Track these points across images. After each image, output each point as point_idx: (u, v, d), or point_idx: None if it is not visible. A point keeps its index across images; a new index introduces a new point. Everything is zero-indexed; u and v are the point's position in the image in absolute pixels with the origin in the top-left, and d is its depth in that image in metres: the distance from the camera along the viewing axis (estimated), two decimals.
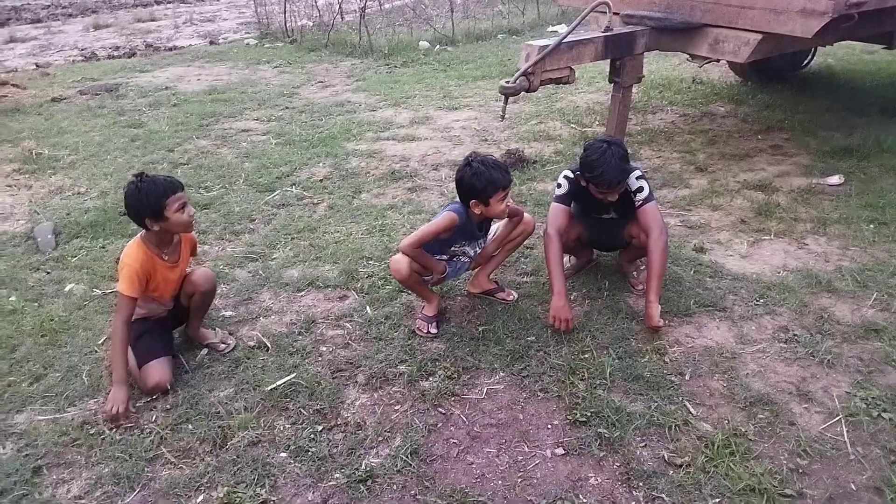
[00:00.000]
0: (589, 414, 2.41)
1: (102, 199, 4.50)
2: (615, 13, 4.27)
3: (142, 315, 2.74)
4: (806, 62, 6.58)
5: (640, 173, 2.93)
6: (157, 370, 2.60)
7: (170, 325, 2.91)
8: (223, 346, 2.87)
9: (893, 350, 2.66)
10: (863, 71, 6.68)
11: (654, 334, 2.82)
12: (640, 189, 2.90)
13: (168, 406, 2.55)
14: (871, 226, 3.63)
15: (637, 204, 2.90)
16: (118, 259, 2.76)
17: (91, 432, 2.43)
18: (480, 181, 2.71)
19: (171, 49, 10.35)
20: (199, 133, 5.88)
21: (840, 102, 5.63)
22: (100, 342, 2.96)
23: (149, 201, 2.53)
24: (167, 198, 2.54)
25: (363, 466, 2.24)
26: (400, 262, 2.82)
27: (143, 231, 2.65)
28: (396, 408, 2.52)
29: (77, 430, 2.44)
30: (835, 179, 4.21)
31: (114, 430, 2.43)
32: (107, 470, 2.27)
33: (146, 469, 2.27)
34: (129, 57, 9.86)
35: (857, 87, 6.15)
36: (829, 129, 5.10)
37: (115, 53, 10.18)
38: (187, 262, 2.87)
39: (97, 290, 3.39)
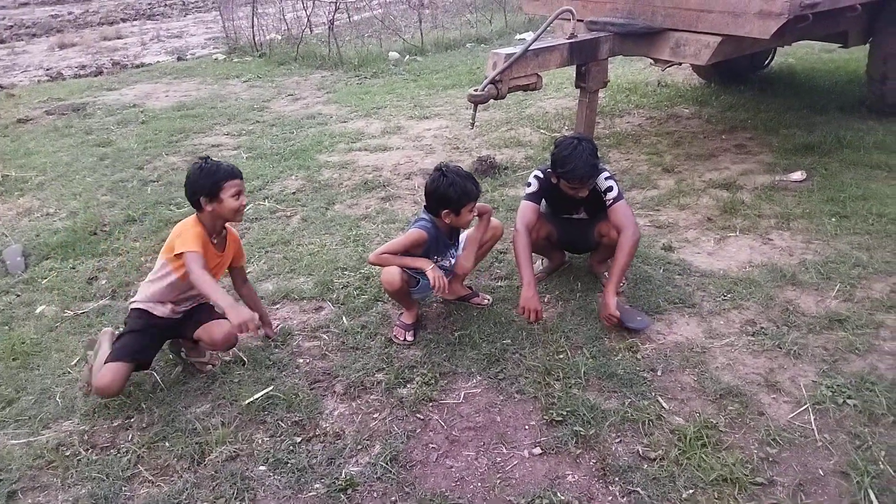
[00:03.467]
0: (565, 413, 2.44)
1: (72, 219, 4.46)
2: (579, 20, 4.36)
3: (149, 307, 2.71)
4: (766, 63, 6.75)
5: (609, 174, 3.00)
6: (112, 373, 2.52)
7: (168, 334, 2.82)
8: (209, 367, 2.85)
9: (856, 339, 2.74)
10: (822, 70, 6.87)
11: (610, 325, 2.88)
12: (610, 188, 2.96)
13: (144, 424, 2.54)
14: (833, 219, 3.74)
15: (608, 203, 2.96)
16: (139, 268, 2.76)
17: (66, 454, 2.41)
18: (456, 191, 2.76)
19: (138, 66, 10.26)
20: (168, 150, 5.84)
21: (800, 101, 5.78)
22: (73, 363, 2.93)
23: (208, 180, 2.61)
24: (227, 181, 2.62)
25: (343, 475, 2.25)
26: (392, 273, 2.83)
27: (196, 212, 2.70)
28: (375, 416, 2.54)
29: (52, 453, 2.41)
30: (797, 176, 4.33)
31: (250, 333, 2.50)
32: (84, 491, 2.25)
33: (124, 488, 2.25)
34: (96, 75, 9.76)
35: (817, 85, 6.32)
36: (790, 127, 5.23)
37: (82, 72, 10.07)
38: (229, 260, 2.88)
39: (69, 312, 3.36)
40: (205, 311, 2.82)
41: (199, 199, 2.63)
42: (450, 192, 2.77)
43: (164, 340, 2.84)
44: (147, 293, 2.73)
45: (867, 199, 3.90)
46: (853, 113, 5.38)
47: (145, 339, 2.70)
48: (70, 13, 17.24)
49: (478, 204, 2.93)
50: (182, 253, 2.56)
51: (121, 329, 2.79)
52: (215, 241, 2.75)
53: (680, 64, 5.32)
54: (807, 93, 6.03)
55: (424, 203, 2.91)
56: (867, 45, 5.20)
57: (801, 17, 3.77)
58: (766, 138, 5.09)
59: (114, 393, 2.56)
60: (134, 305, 2.76)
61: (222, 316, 2.72)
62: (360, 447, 2.38)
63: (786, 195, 4.12)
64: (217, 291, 2.51)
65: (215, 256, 2.74)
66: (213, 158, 2.69)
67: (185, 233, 2.62)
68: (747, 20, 3.85)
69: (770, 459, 2.20)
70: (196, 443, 2.41)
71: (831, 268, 3.26)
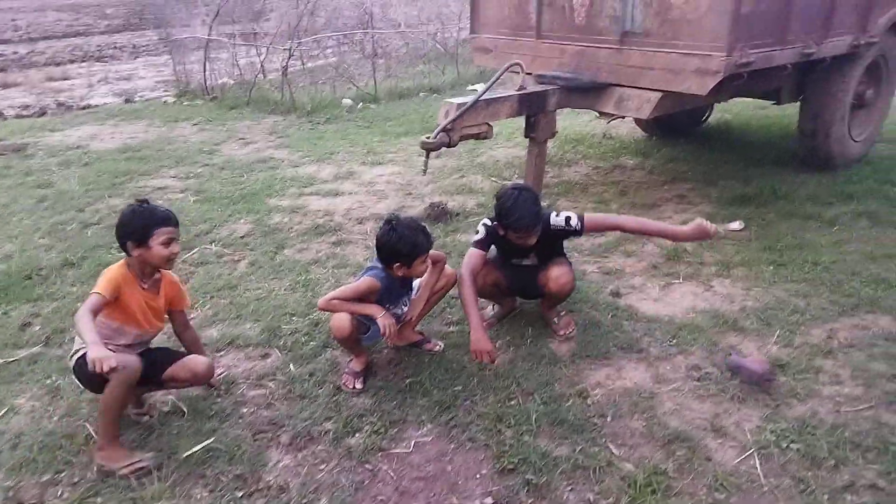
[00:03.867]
0: (516, 461, 2.42)
1: (6, 262, 4.26)
2: (528, 73, 4.50)
3: (112, 347, 2.48)
4: (705, 118, 7.07)
5: (556, 211, 3.08)
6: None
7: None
8: (146, 417, 2.73)
9: (797, 384, 2.82)
10: (756, 125, 7.24)
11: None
12: (569, 219, 3.03)
13: (75, 479, 2.39)
14: (771, 267, 3.88)
15: (578, 229, 3.03)
16: (74, 313, 2.58)
17: None
18: (406, 246, 2.75)
19: (84, 108, 10.06)
20: (111, 192, 5.69)
21: (737, 155, 6.05)
22: (0, 414, 2.77)
23: (138, 225, 2.50)
24: (157, 227, 2.51)
25: None
26: (342, 319, 2.78)
27: (126, 257, 2.58)
28: (322, 467, 2.46)
29: None
30: (736, 225, 4.49)
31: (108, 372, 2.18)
32: None
33: None
34: (40, 116, 9.51)
35: (752, 140, 6.64)
36: (728, 178, 5.46)
37: (25, 112, 9.80)
38: (165, 304, 2.72)
39: (0, 360, 3.18)
40: (160, 352, 2.73)
41: (126, 243, 2.53)
42: (399, 247, 2.76)
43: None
44: (80, 347, 2.55)
45: (802, 248, 4.07)
46: (787, 166, 5.65)
47: None
48: (15, 52, 16.87)
49: (432, 252, 2.93)
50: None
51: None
52: (146, 286, 2.63)
53: (623, 117, 5.52)
54: (743, 147, 6.33)
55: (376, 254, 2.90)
56: (798, 103, 5.51)
57: (737, 76, 3.98)
58: (706, 189, 5.29)
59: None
60: (73, 362, 2.55)
61: (182, 354, 2.70)
62: (305, 501, 2.29)
63: (725, 244, 4.26)
64: (85, 329, 2.26)
65: (145, 298, 2.60)
66: (152, 202, 2.59)
67: (103, 275, 2.51)
68: (686, 77, 4.05)
69: None
70: (130, 499, 2.29)
71: (771, 314, 3.37)
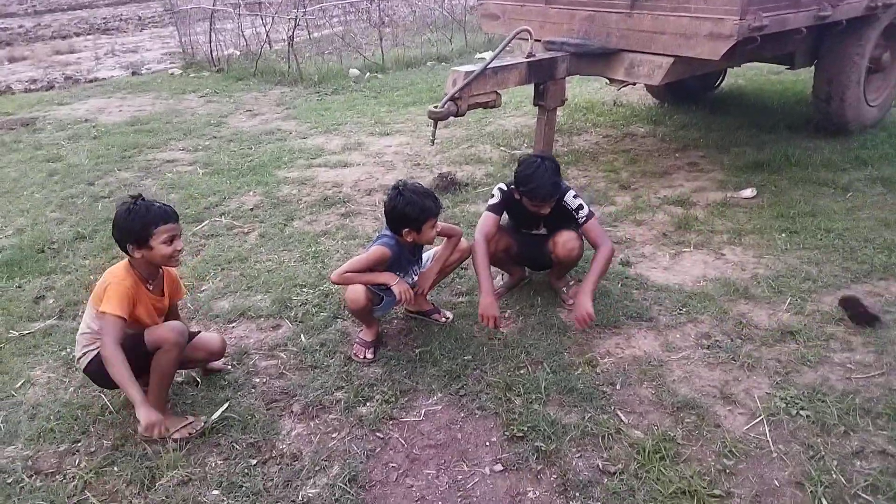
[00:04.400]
0: (526, 429, 2.44)
1: (18, 236, 4.30)
2: (537, 40, 4.43)
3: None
4: (717, 83, 6.95)
5: (575, 192, 3.04)
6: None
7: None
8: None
9: (808, 351, 2.81)
10: (770, 91, 7.11)
11: (582, 329, 2.90)
12: (581, 206, 3.01)
13: (92, 449, 2.44)
14: (783, 235, 3.84)
15: (581, 221, 3.01)
16: (88, 286, 2.54)
17: (8, 481, 2.30)
18: (414, 210, 2.74)
19: (91, 81, 10.04)
20: (121, 165, 5.70)
21: (750, 121, 5.96)
22: (17, 386, 2.81)
23: (136, 226, 2.36)
24: (156, 226, 2.38)
25: (300, 498, 2.19)
26: (357, 291, 2.78)
27: (128, 257, 2.46)
28: (333, 435, 2.49)
29: None
30: (748, 193, 4.44)
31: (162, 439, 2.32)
32: None
33: None
34: (47, 90, 9.51)
35: (766, 105, 6.53)
36: (740, 145, 5.39)
37: (32, 87, 9.80)
38: (168, 302, 2.65)
39: (13, 332, 3.22)
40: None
41: (127, 245, 2.40)
42: (408, 211, 2.75)
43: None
44: (87, 349, 2.47)
45: (815, 216, 4.03)
46: (800, 132, 5.56)
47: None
48: (21, 26, 16.82)
49: (447, 225, 2.93)
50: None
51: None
52: (151, 287, 2.53)
53: (634, 84, 5.43)
54: (756, 113, 6.23)
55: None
56: (812, 67, 5.40)
57: (750, 39, 3.90)
58: (718, 156, 5.22)
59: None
60: (86, 364, 2.48)
61: (193, 333, 2.65)
62: (317, 468, 2.33)
63: (737, 211, 4.22)
64: (124, 381, 2.25)
65: (152, 301, 2.53)
66: (145, 198, 2.43)
67: (112, 287, 2.36)
68: (698, 42, 3.97)
69: (727, 471, 2.22)
70: (146, 467, 2.33)
71: (782, 282, 3.35)
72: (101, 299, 2.37)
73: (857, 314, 2.97)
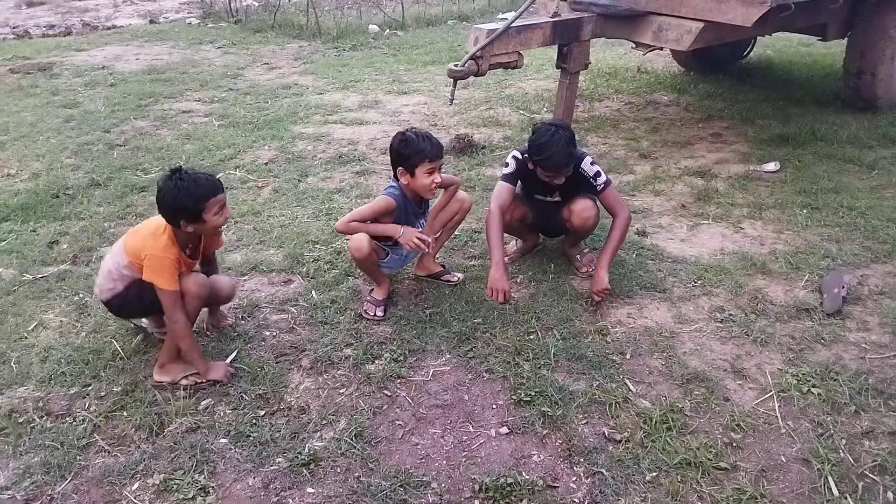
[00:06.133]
0: (533, 393, 2.43)
1: (34, 181, 4.30)
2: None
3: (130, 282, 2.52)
4: (746, 52, 6.77)
5: (592, 159, 2.98)
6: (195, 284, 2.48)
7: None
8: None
9: (823, 329, 2.77)
10: (799, 63, 6.91)
11: (598, 306, 2.91)
12: (598, 174, 2.96)
13: (102, 393, 2.46)
14: (805, 211, 3.77)
15: (598, 188, 2.97)
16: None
17: (19, 421, 2.34)
18: (408, 149, 2.74)
19: (109, 28, 9.93)
20: (136, 114, 5.67)
21: (777, 93, 5.81)
22: (30, 328, 2.84)
23: (188, 203, 2.32)
24: (208, 200, 2.34)
25: (306, 450, 2.21)
26: (360, 240, 2.76)
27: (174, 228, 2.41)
28: (341, 391, 2.50)
29: (4, 419, 2.33)
30: (771, 166, 4.35)
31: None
32: (36, 459, 2.17)
33: (79, 457, 2.19)
34: (65, 35, 9.43)
35: (794, 78, 6.36)
36: (766, 118, 5.26)
37: (50, 32, 9.72)
38: (206, 250, 2.67)
39: (27, 276, 3.25)
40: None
41: (180, 221, 2.36)
42: (401, 149, 2.75)
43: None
44: (115, 287, 2.50)
45: (839, 192, 3.94)
46: (828, 106, 5.42)
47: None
48: None
49: (446, 175, 2.90)
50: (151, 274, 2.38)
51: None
52: (189, 252, 2.50)
53: (661, 49, 5.30)
54: (783, 85, 6.07)
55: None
56: (845, 40, 5.23)
57: (784, 6, 3.77)
58: (742, 128, 5.11)
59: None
60: (108, 297, 2.52)
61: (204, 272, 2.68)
62: (324, 422, 2.34)
63: (759, 185, 4.14)
64: (190, 352, 2.47)
65: (187, 265, 2.50)
66: (187, 171, 2.36)
67: (159, 261, 2.36)
68: (730, 7, 3.84)
69: (734, 445, 2.21)
70: (155, 413, 2.35)
71: (801, 258, 3.29)
72: (139, 255, 2.39)
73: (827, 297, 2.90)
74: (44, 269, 3.31)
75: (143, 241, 2.42)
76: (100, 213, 3.89)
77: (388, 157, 2.90)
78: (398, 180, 2.87)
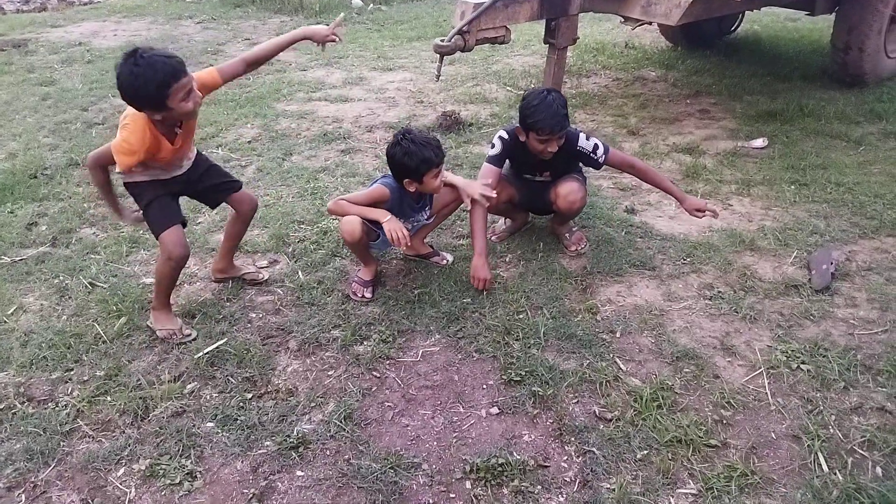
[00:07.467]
0: (523, 373, 2.41)
1: (10, 160, 4.20)
2: None
3: (147, 179, 2.48)
4: (734, 27, 6.73)
5: (586, 134, 2.95)
6: (176, 238, 2.47)
7: (177, 191, 2.62)
8: (261, 276, 2.97)
9: (812, 305, 2.77)
10: (786, 38, 6.89)
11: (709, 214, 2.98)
12: (596, 147, 2.94)
13: (85, 377, 2.42)
14: (793, 187, 3.76)
15: (601, 160, 2.95)
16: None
17: (0, 407, 2.28)
18: (413, 161, 2.64)
19: (85, 3, 9.69)
20: (115, 91, 5.46)
21: (765, 68, 5.79)
22: (9, 312, 2.77)
23: (149, 90, 2.13)
24: (170, 87, 2.15)
25: (295, 433, 2.18)
26: (352, 222, 2.70)
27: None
28: (330, 373, 2.47)
29: None
30: (759, 142, 4.34)
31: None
32: (18, 446, 2.13)
33: (62, 443, 2.14)
34: (40, 11, 9.19)
35: (781, 53, 6.33)
36: (754, 94, 5.24)
37: (25, 7, 9.47)
38: (194, 131, 2.56)
39: (6, 258, 3.17)
40: (213, 174, 2.74)
41: (146, 111, 2.22)
42: (406, 162, 2.65)
43: (177, 198, 2.64)
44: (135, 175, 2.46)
45: (826, 168, 3.94)
46: (815, 82, 5.41)
47: (166, 202, 2.52)
48: None
49: (454, 178, 2.86)
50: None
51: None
52: (172, 139, 2.39)
53: (650, 23, 5.24)
54: (771, 61, 6.04)
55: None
56: (833, 15, 5.20)
57: None
58: (730, 104, 5.08)
59: (186, 256, 2.53)
60: (129, 180, 2.48)
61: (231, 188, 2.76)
62: (313, 404, 2.31)
63: (747, 161, 4.13)
64: (106, 199, 2.63)
65: (173, 152, 2.43)
66: (143, 52, 2.15)
67: (126, 144, 2.28)
68: None
69: (724, 422, 2.21)
70: (140, 397, 2.31)
71: (789, 234, 3.29)
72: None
73: (816, 274, 2.92)
74: (22, 252, 3.23)
75: (124, 120, 2.34)
76: (79, 193, 3.80)
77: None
78: (398, 182, 2.78)
